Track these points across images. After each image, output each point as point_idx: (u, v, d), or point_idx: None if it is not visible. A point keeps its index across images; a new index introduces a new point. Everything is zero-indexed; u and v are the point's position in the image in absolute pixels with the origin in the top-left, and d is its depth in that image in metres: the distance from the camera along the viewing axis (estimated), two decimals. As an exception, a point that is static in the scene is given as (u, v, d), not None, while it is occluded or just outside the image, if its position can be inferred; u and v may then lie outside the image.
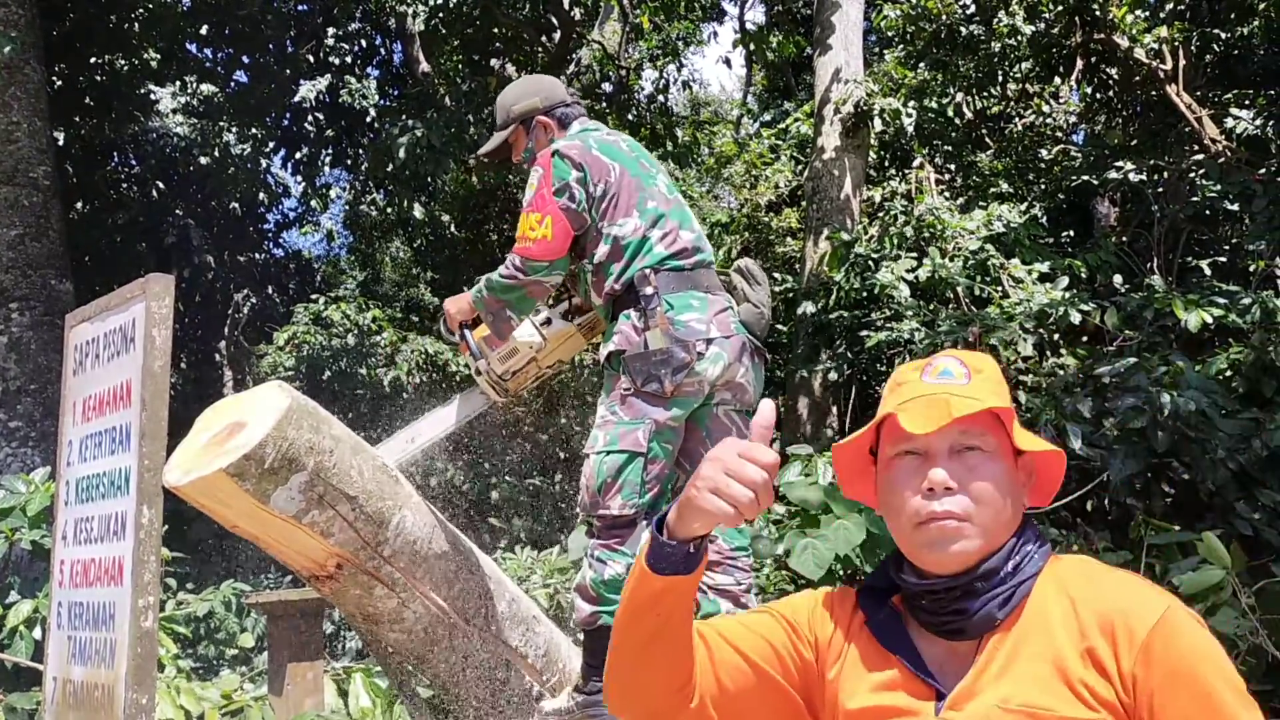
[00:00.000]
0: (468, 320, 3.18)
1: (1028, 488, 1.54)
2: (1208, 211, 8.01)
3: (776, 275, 9.32)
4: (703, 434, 2.94)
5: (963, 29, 9.13)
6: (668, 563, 1.40)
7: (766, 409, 1.43)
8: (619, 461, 2.80)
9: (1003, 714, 1.35)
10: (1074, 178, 8.81)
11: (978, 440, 1.46)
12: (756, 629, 1.57)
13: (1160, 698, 1.32)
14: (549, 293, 3.00)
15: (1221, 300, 6.34)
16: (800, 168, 10.51)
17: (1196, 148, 8.45)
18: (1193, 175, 8.13)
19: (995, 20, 8.91)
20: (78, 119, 12.00)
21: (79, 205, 12.36)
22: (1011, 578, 1.45)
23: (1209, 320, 6.13)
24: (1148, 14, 8.59)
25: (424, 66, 12.21)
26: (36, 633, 4.80)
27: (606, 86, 12.31)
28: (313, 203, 15.01)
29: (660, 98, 12.75)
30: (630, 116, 12.00)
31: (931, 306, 7.30)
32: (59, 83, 11.18)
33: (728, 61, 25.75)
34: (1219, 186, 7.66)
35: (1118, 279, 7.42)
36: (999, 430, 1.49)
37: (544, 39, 11.63)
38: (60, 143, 10.89)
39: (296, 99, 12.52)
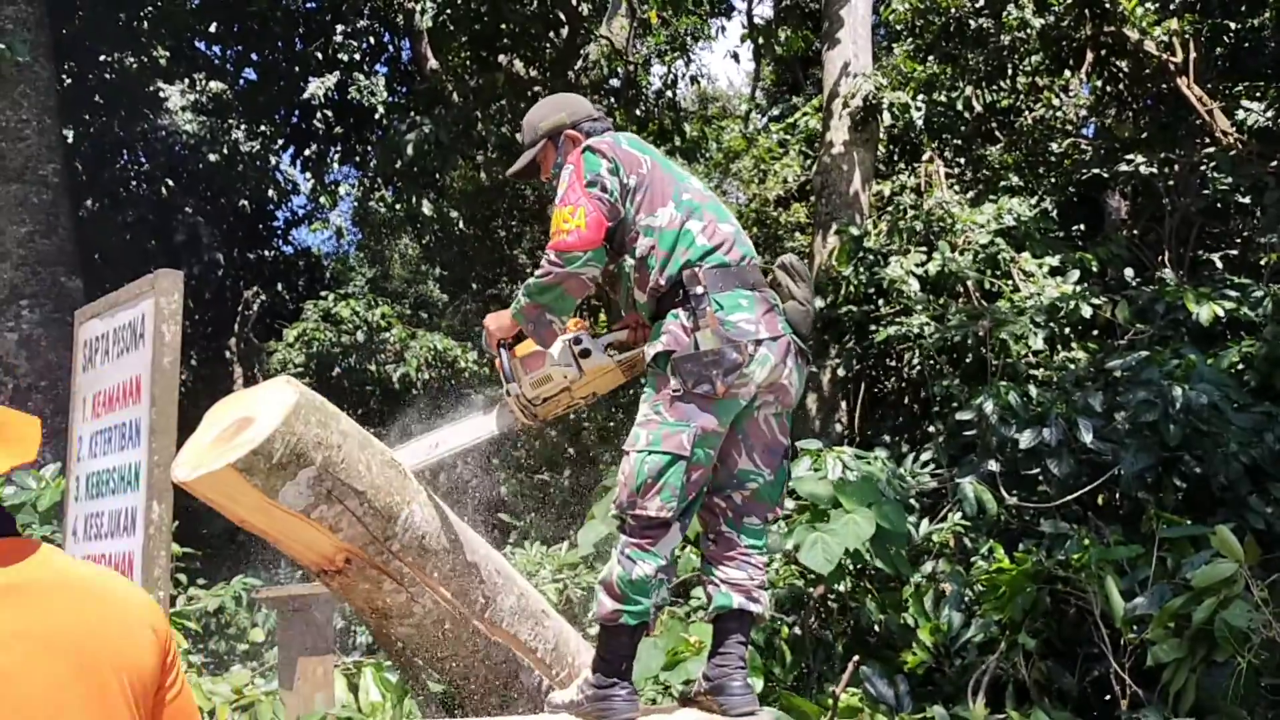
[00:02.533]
0: (506, 338, 3.09)
1: None
2: (1219, 204, 7.98)
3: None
4: (739, 436, 2.90)
5: (972, 22, 9.09)
6: None
7: None
8: (661, 463, 2.74)
9: None
10: (1084, 171, 8.78)
11: None
12: None
13: None
14: (588, 289, 2.91)
15: (1233, 293, 6.31)
16: (809, 162, 10.50)
17: (1207, 140, 8.41)
18: (1204, 168, 8.09)
19: (1004, 13, 8.88)
20: (87, 116, 12.04)
21: (88, 203, 12.40)
22: None
23: (1221, 313, 6.10)
24: (1158, 6, 8.54)
25: (432, 63, 12.20)
26: (48, 628, 4.81)
27: (614, 82, 12.29)
28: (322, 200, 15.04)
29: (668, 93, 12.72)
30: (638, 112, 11.98)
31: (941, 301, 7.28)
32: (68, 80, 11.21)
33: (735, 56, 25.74)
34: (1230, 179, 7.63)
35: (1128, 272, 7.40)
36: None
37: (552, 35, 11.62)
38: (70, 140, 10.92)
39: (305, 96, 12.55)
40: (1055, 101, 9.75)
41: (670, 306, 2.85)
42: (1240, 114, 8.03)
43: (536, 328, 2.94)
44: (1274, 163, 7.75)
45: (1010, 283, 7.31)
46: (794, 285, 3.03)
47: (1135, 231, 8.50)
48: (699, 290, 2.80)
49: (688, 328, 2.78)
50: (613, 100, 11.94)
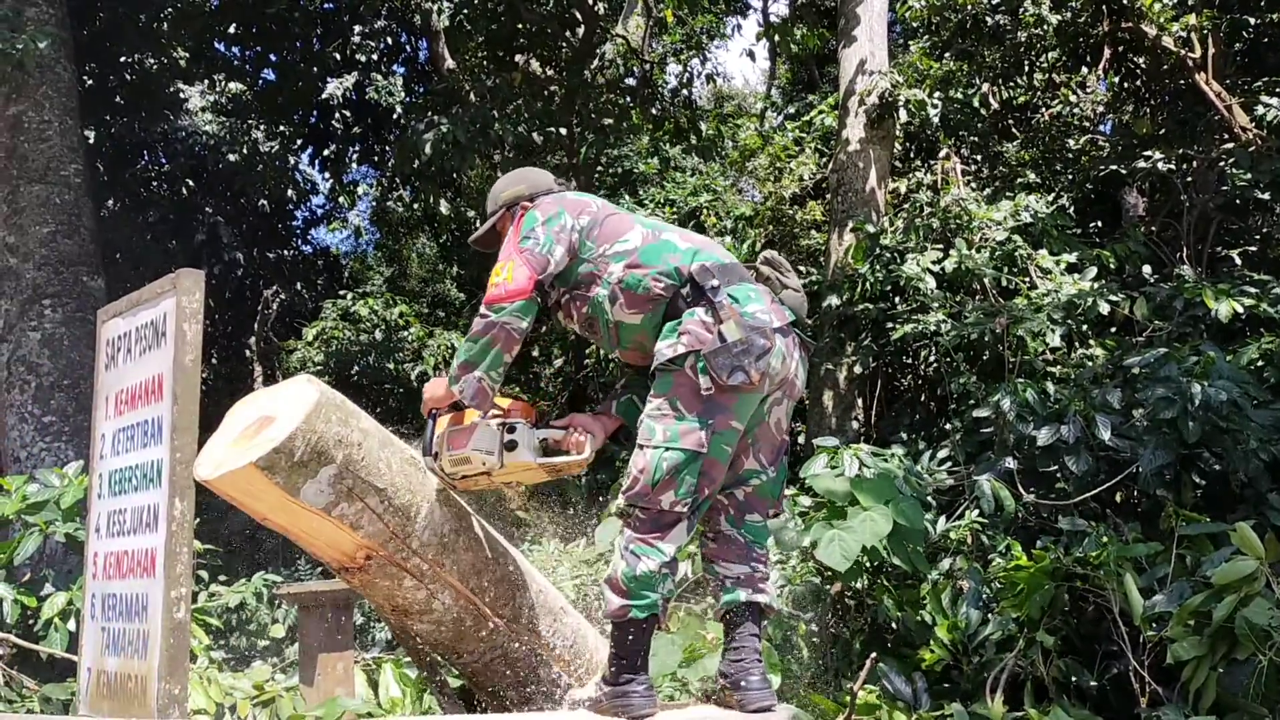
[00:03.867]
0: (440, 407, 3.07)
1: None
2: (1238, 200, 7.93)
3: (801, 268, 9.28)
4: (748, 440, 2.94)
5: (988, 19, 9.06)
6: None
7: None
8: (679, 460, 2.76)
9: None
10: (1102, 168, 8.73)
11: None
12: None
13: None
14: (515, 342, 2.86)
15: (1252, 290, 6.28)
16: (824, 160, 10.47)
17: (1226, 136, 8.35)
18: (1222, 164, 8.04)
19: (1021, 9, 8.84)
20: (108, 117, 12.14)
21: (110, 203, 12.51)
22: None
23: (1240, 310, 6.07)
24: (1175, 1, 8.49)
25: (449, 63, 12.25)
26: (71, 624, 4.87)
27: (630, 81, 12.30)
28: (340, 199, 15.12)
29: (684, 91, 12.73)
30: (654, 110, 11.99)
31: (958, 298, 7.26)
32: (89, 81, 11.31)
33: (751, 54, 25.64)
34: (1249, 175, 7.58)
35: (1147, 269, 7.36)
36: None
37: (568, 34, 11.63)
38: (91, 141, 11.01)
39: (324, 96, 12.61)
40: (1072, 98, 9.70)
41: (684, 306, 2.86)
42: (1259, 109, 7.96)
43: (466, 390, 2.90)
44: (1294, 158, 7.69)
45: (1027, 280, 7.29)
46: (783, 276, 3.08)
47: (1153, 228, 8.44)
48: (713, 284, 2.83)
49: (709, 323, 2.79)
50: (628, 99, 11.95)
